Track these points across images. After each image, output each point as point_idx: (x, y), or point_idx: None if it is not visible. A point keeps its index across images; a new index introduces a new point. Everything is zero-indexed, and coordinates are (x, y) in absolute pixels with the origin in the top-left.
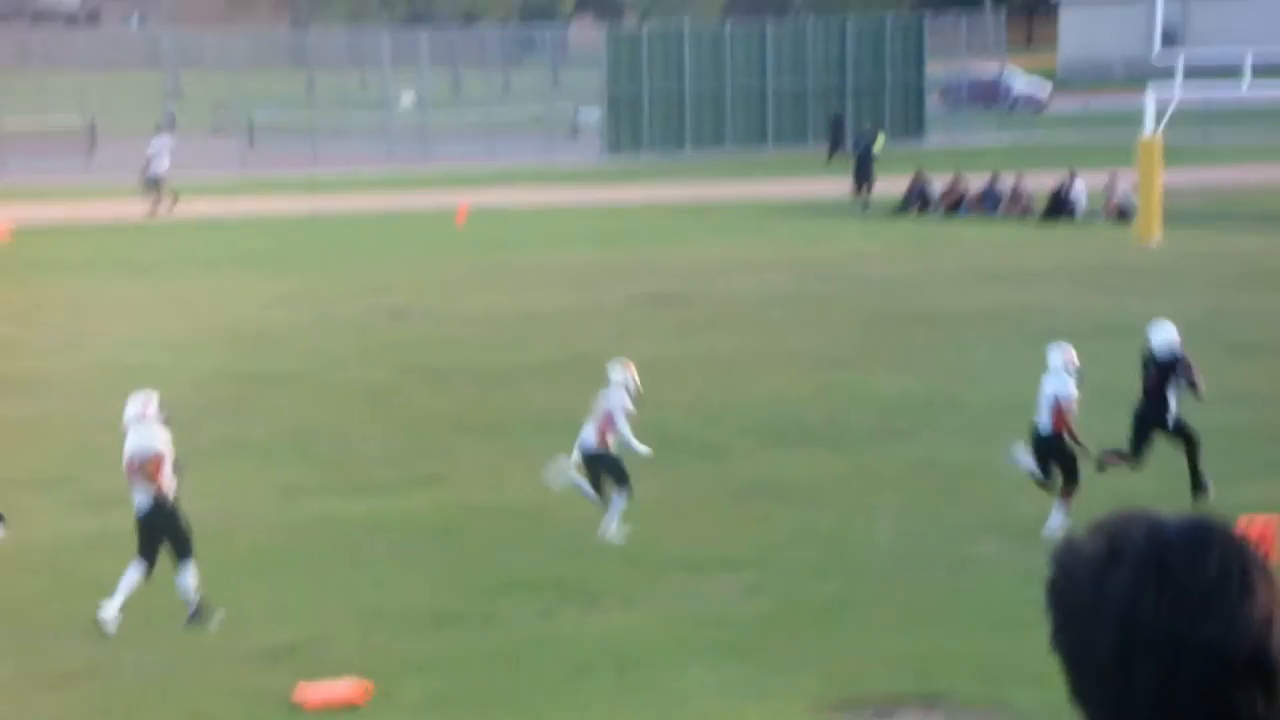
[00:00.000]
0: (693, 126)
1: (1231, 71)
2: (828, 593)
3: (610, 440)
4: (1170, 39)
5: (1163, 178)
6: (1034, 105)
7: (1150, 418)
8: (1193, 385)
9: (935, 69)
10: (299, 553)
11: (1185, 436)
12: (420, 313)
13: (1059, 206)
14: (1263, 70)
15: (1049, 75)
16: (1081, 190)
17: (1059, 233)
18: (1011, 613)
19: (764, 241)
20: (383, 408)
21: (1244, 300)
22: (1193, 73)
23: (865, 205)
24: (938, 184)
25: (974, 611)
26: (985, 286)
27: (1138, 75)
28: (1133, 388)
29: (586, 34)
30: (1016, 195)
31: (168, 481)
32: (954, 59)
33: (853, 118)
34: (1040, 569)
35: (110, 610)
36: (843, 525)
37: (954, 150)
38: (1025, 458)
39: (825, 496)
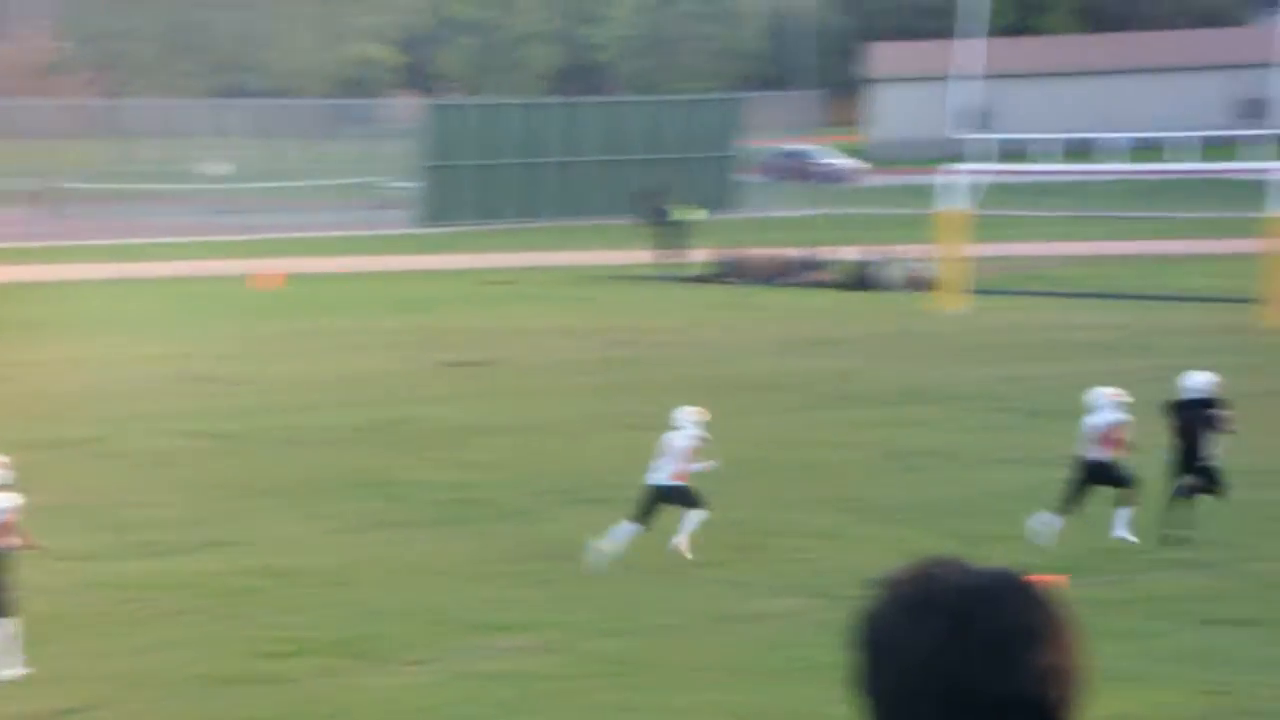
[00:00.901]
0: (510, 198)
1: (1032, 150)
2: (619, 650)
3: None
4: (975, 120)
5: (966, 250)
6: (845, 180)
7: (1185, 460)
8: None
9: (754, 144)
10: (82, 618)
11: (1212, 479)
12: (225, 378)
13: (866, 277)
14: (1061, 150)
15: (862, 152)
16: (888, 261)
17: (866, 302)
18: (807, 666)
19: (576, 309)
20: (178, 472)
21: (1041, 368)
22: (997, 151)
23: (679, 274)
24: (750, 254)
25: (769, 665)
26: (795, 353)
27: (945, 153)
28: (946, 446)
29: (405, 108)
30: (826, 265)
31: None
32: (772, 135)
33: (669, 191)
34: (838, 625)
35: None
36: (638, 585)
37: (767, 222)
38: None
39: (624, 557)
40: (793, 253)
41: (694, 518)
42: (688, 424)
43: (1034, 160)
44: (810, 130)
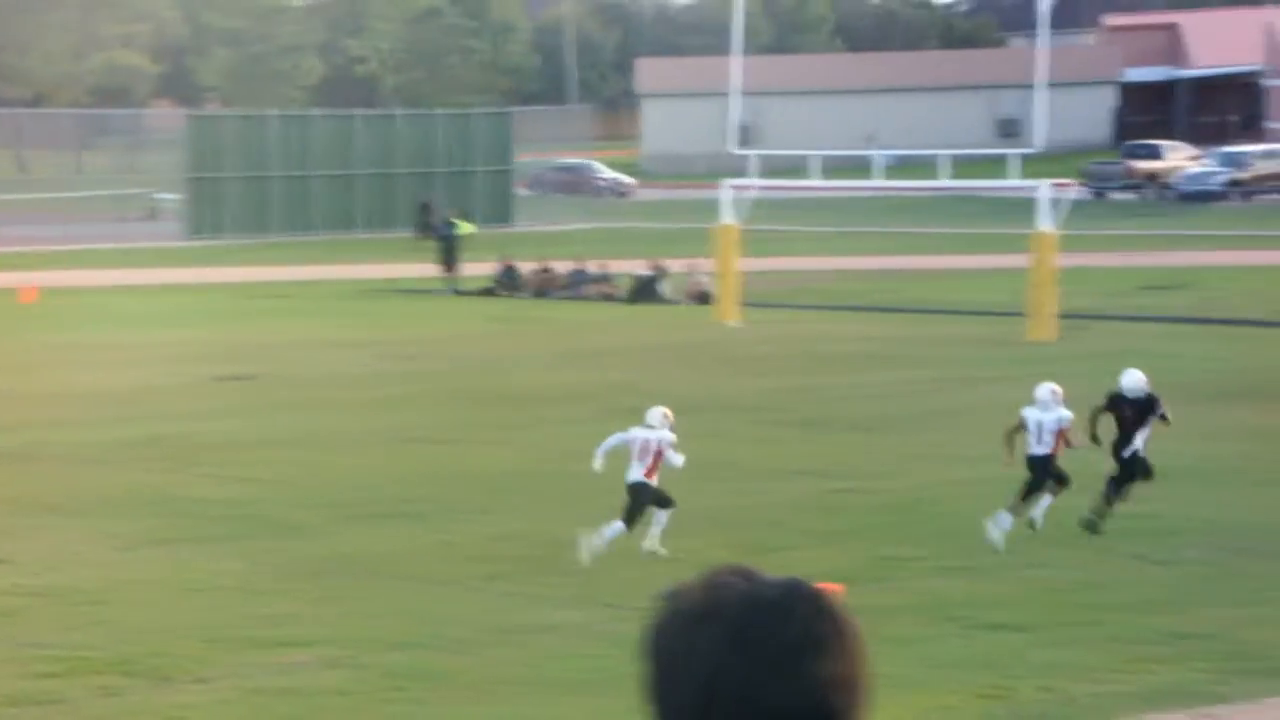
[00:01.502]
0: (278, 211)
1: (802, 167)
2: (407, 664)
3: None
4: (745, 136)
5: (740, 264)
6: (618, 193)
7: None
8: (1164, 417)
9: (524, 159)
10: None
11: (1130, 472)
12: None
13: (643, 290)
14: (830, 167)
15: (633, 167)
16: (664, 274)
17: (644, 315)
18: (600, 678)
19: (350, 322)
20: None
21: (815, 379)
22: (767, 167)
23: (454, 287)
24: (526, 267)
25: (555, 677)
26: (574, 366)
27: (716, 168)
28: (726, 457)
29: (165, 118)
30: (602, 279)
31: None
32: (543, 149)
33: (441, 203)
34: (629, 637)
35: None
36: (423, 598)
37: (542, 235)
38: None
39: (406, 571)
40: (567, 266)
41: (663, 517)
42: (658, 422)
43: (805, 177)
44: (581, 145)
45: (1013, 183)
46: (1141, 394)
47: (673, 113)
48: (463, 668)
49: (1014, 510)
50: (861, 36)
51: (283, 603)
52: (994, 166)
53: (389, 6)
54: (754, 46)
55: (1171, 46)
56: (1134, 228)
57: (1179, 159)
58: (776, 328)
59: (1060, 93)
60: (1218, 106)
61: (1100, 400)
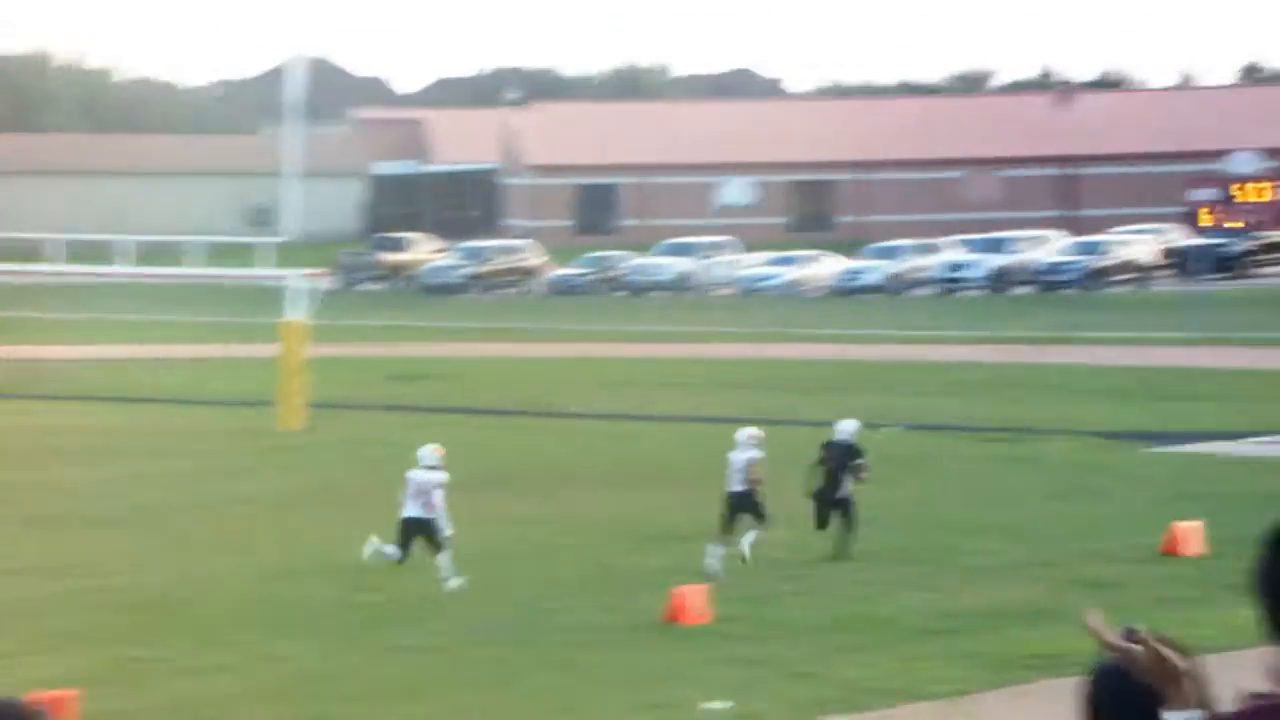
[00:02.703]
0: None
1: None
2: None
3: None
4: None
5: None
6: None
7: (826, 493)
8: (858, 473)
9: None
10: None
11: (847, 514)
12: None
13: None
14: (75, 252)
15: None
16: None
17: None
18: None
19: None
20: None
21: (49, 474)
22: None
23: None
24: None
25: None
26: None
27: None
28: None
29: None
30: None
31: None
32: None
33: None
34: None
35: None
36: None
37: None
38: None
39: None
40: None
41: (445, 557)
42: (432, 459)
43: (47, 261)
44: None
45: (263, 271)
46: (848, 439)
47: None
48: None
49: (722, 542)
50: (109, 118)
51: None
52: (245, 254)
53: None
54: None
55: (418, 141)
56: (383, 318)
57: (424, 252)
58: (10, 419)
59: (311, 183)
60: (461, 201)
61: (815, 453)
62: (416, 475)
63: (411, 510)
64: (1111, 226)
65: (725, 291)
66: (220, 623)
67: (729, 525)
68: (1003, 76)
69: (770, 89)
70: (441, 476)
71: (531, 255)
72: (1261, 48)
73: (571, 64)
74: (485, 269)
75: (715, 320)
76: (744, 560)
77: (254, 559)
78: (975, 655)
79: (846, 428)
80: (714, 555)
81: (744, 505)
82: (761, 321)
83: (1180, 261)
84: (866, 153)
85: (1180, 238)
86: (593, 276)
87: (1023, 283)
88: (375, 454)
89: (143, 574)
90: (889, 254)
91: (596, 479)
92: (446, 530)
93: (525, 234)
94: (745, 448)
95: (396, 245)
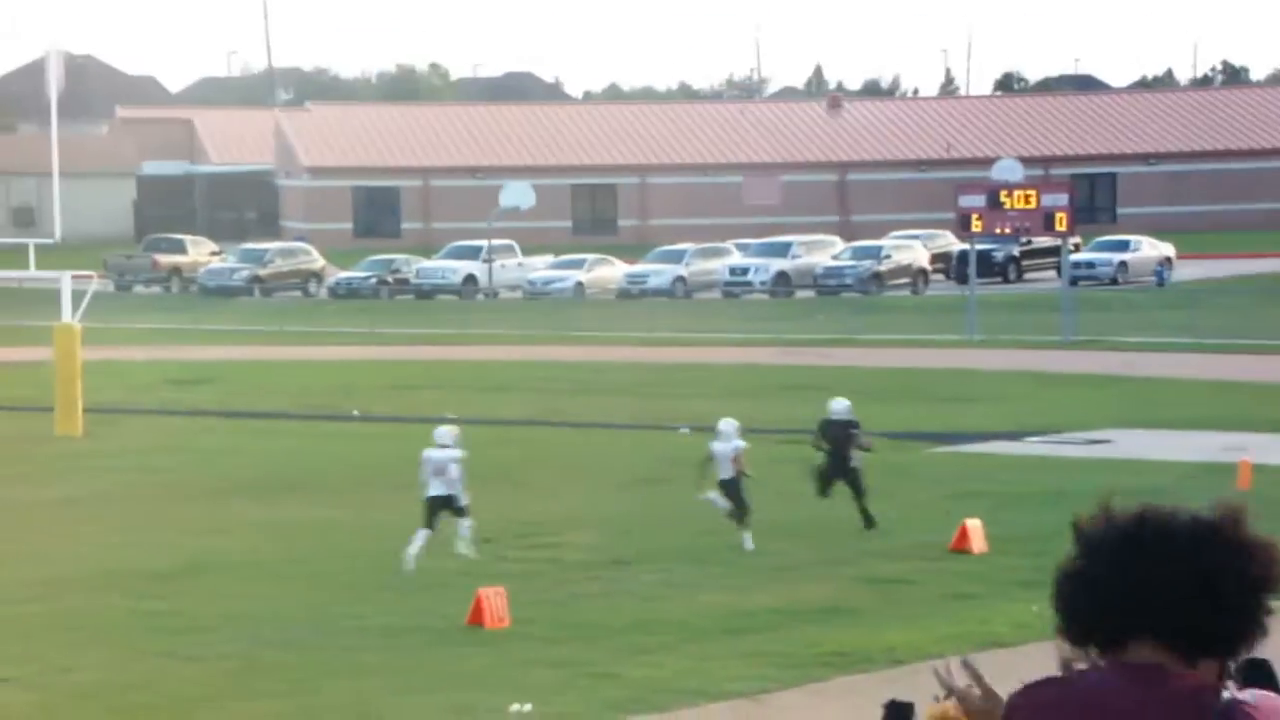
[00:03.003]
0: None
1: None
2: None
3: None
4: None
5: None
6: None
7: (834, 468)
8: (861, 444)
9: None
10: None
11: (857, 484)
12: None
13: None
14: None
15: None
16: None
17: None
18: None
19: None
20: None
21: None
22: None
23: None
24: None
25: None
26: None
27: None
28: None
29: None
30: None
31: None
32: None
33: None
34: None
35: None
36: None
37: None
38: (719, 500)
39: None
40: None
41: (466, 524)
42: (448, 439)
43: None
44: None
45: (32, 273)
46: (845, 416)
47: None
48: None
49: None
50: None
51: None
52: (13, 256)
53: None
54: None
55: (188, 142)
56: (160, 321)
57: (202, 254)
58: None
59: (77, 182)
60: (236, 203)
61: (812, 434)
62: (433, 454)
63: (435, 489)
64: (884, 232)
65: (513, 295)
66: (3, 633)
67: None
68: (775, 84)
69: (551, 92)
70: (457, 453)
71: (313, 258)
72: (1018, 59)
73: (348, 65)
74: (265, 271)
75: (503, 323)
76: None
77: (37, 568)
78: (771, 654)
79: (840, 405)
80: (747, 539)
81: (731, 492)
82: (547, 324)
83: (952, 266)
84: (647, 157)
85: (952, 243)
86: (376, 280)
87: (804, 286)
88: (158, 460)
89: None
90: (674, 257)
91: (390, 482)
92: (463, 500)
93: (303, 236)
94: (729, 437)
95: (174, 247)
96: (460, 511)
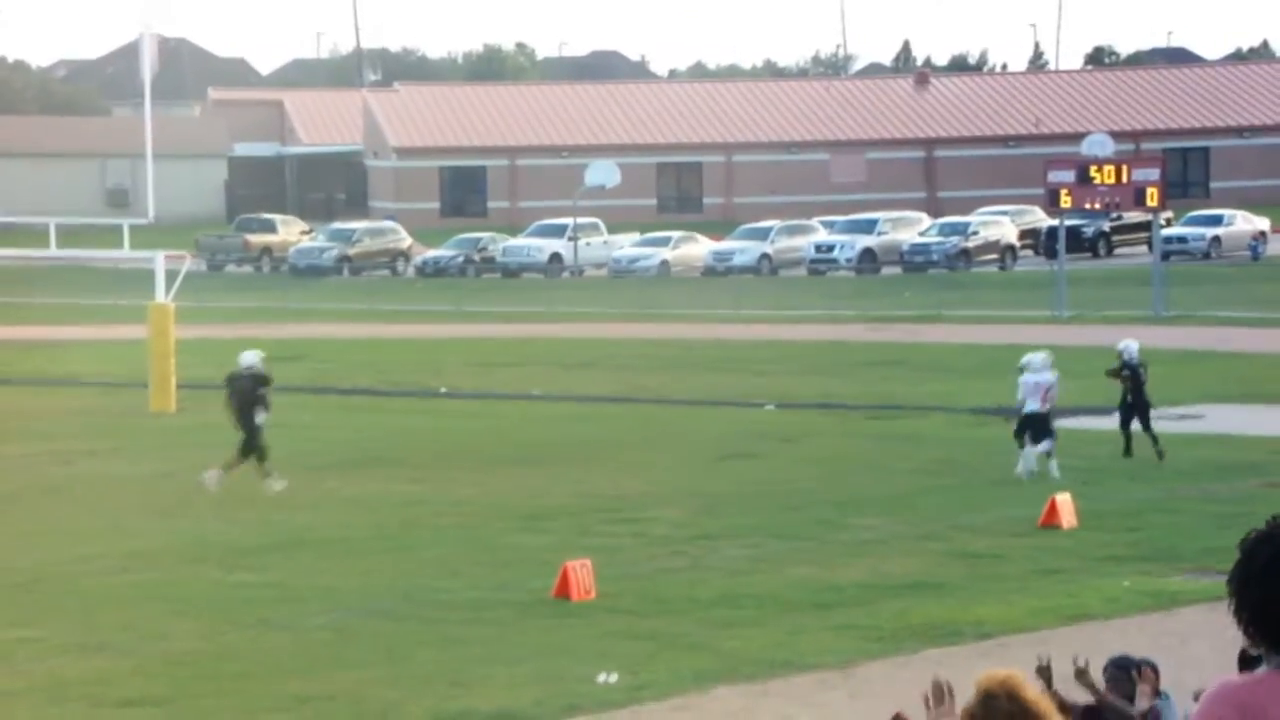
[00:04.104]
0: None
1: None
2: None
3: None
4: None
5: None
6: None
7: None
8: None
9: None
10: None
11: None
12: None
13: None
14: None
15: None
16: None
17: None
18: None
19: None
20: None
21: None
22: None
23: None
24: None
25: None
26: None
27: None
28: None
29: None
30: None
31: None
32: None
33: None
34: None
35: None
36: None
37: None
38: (1029, 460)
39: None
40: None
41: (1047, 444)
42: (1043, 364)
43: None
44: None
45: (125, 253)
46: (1135, 360)
47: None
48: None
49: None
50: None
51: None
52: (107, 236)
53: None
54: None
55: (278, 123)
56: (252, 300)
57: (292, 234)
58: None
59: (169, 164)
60: (325, 183)
61: (1115, 366)
62: (1030, 378)
63: (1030, 407)
64: (972, 208)
65: (598, 273)
66: (99, 603)
67: (1022, 439)
68: (862, 60)
69: (637, 70)
70: (1055, 376)
71: (401, 237)
72: (1109, 33)
73: (434, 46)
74: (354, 250)
75: (588, 301)
76: (1055, 476)
77: (131, 541)
78: (859, 627)
79: (1135, 345)
80: (1027, 459)
81: (1036, 424)
82: (632, 302)
83: (1041, 242)
84: (733, 135)
85: (1041, 219)
86: (463, 258)
87: (890, 263)
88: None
89: (15, 556)
90: (760, 235)
91: (475, 459)
92: (1053, 423)
93: (391, 216)
94: (1040, 370)
95: (264, 227)
96: (1048, 433)
